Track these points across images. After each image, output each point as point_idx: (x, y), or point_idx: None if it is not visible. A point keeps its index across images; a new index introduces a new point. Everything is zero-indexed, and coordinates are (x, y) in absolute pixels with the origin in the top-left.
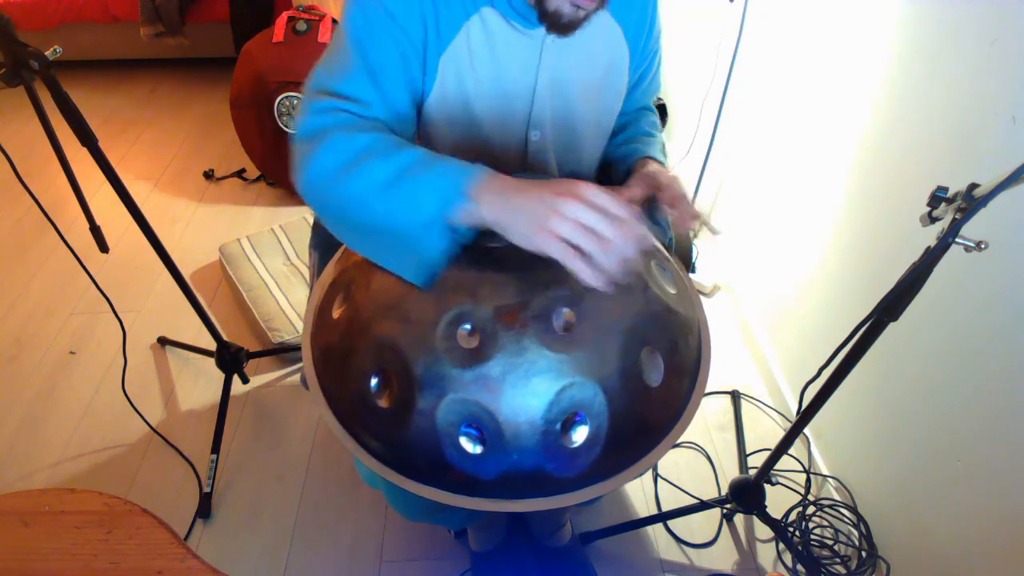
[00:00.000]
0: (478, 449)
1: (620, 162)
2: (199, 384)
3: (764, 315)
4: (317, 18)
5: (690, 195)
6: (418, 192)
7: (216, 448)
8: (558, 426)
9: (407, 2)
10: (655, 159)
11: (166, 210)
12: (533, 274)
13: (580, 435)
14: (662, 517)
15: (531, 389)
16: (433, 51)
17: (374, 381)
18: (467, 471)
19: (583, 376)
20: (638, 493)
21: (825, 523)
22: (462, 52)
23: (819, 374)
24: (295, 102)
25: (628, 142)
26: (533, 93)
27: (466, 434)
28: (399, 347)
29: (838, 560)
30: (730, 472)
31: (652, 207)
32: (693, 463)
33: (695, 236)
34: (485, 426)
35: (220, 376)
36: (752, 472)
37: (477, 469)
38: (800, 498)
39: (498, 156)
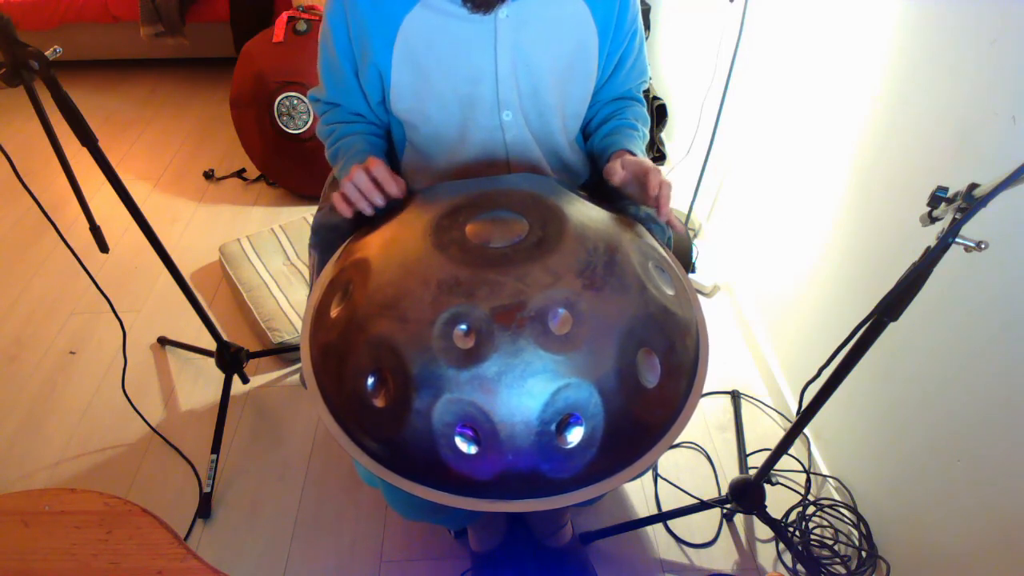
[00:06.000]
0: (473, 449)
1: (600, 155)
2: (199, 384)
3: (764, 315)
4: (317, 18)
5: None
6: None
7: (216, 448)
8: (553, 427)
9: (336, 15)
10: (631, 152)
11: (166, 210)
12: (530, 275)
13: (575, 436)
14: (662, 517)
15: (527, 390)
16: (379, 50)
17: (370, 380)
18: (462, 471)
19: (579, 377)
20: (638, 493)
21: (825, 523)
22: (411, 42)
23: (819, 374)
24: (295, 102)
25: (610, 134)
26: (496, 74)
27: (461, 434)
28: (396, 346)
29: (838, 560)
30: (730, 472)
31: (628, 198)
32: (693, 463)
33: (695, 236)
34: (480, 426)
35: (220, 376)
36: (752, 472)
37: (472, 469)
38: (800, 498)
39: (480, 136)
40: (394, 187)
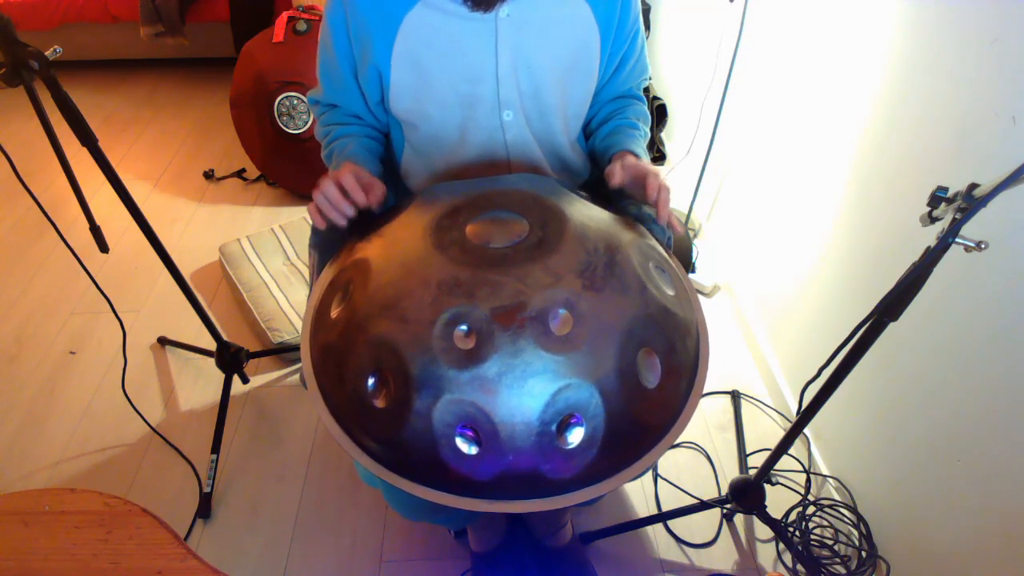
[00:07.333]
0: (473, 450)
1: (602, 155)
2: (199, 384)
3: (764, 315)
4: (317, 18)
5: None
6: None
7: (216, 448)
8: (554, 427)
9: (336, 15)
10: (633, 153)
11: (166, 210)
12: (530, 275)
13: (576, 437)
14: (662, 517)
15: (527, 390)
16: (379, 49)
17: (371, 381)
18: (463, 472)
19: (579, 378)
20: (638, 493)
21: (825, 523)
22: (411, 41)
23: (819, 374)
24: (295, 102)
25: (612, 134)
26: (496, 74)
27: (462, 435)
28: (396, 347)
29: (838, 560)
30: (730, 472)
31: (628, 198)
32: (693, 463)
33: (695, 236)
34: (481, 427)
35: (220, 376)
36: (752, 472)
37: (473, 470)
38: (800, 498)
39: (480, 136)
40: (361, 197)
